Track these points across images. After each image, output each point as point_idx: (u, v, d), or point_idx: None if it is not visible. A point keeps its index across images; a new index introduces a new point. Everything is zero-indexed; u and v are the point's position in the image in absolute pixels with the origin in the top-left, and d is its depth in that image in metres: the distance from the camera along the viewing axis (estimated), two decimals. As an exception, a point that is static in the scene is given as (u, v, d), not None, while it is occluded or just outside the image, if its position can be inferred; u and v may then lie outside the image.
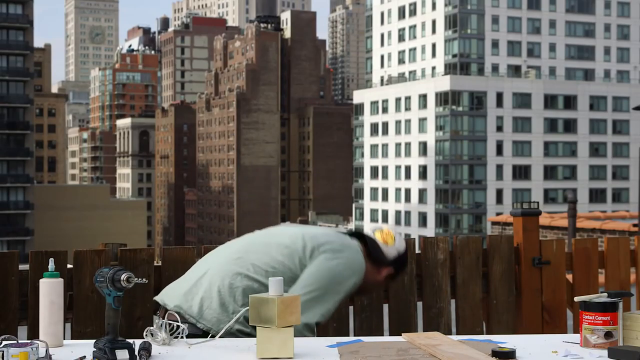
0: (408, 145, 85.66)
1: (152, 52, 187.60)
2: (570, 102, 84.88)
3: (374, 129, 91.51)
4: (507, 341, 2.50)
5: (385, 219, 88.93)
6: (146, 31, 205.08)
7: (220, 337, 2.60)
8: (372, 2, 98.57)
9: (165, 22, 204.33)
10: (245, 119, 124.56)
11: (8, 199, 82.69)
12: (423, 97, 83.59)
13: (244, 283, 2.74)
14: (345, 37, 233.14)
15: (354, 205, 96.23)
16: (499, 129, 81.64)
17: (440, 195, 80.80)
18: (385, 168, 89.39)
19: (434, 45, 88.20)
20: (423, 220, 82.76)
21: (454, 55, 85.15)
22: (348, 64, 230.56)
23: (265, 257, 2.79)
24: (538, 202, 3.81)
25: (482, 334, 3.57)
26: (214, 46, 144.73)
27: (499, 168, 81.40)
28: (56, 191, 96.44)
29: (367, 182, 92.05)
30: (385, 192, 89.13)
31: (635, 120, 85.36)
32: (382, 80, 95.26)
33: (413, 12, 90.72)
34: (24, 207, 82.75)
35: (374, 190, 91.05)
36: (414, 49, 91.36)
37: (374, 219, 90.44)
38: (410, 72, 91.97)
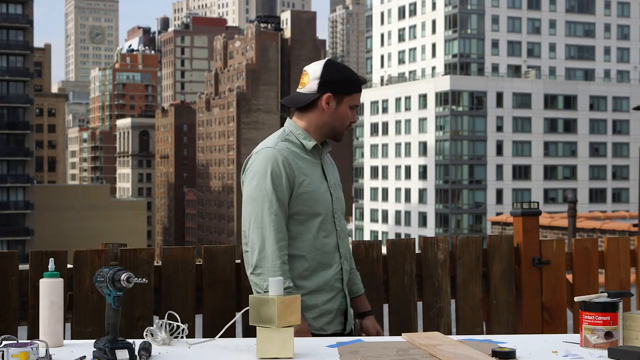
0: (408, 145, 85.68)
1: (152, 52, 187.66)
2: (570, 102, 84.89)
3: (374, 129, 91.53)
4: (507, 341, 2.50)
5: (385, 219, 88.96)
6: (146, 31, 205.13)
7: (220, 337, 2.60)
8: (372, 2, 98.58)
9: (165, 22, 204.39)
10: (245, 119, 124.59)
11: (8, 199, 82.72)
12: (423, 97, 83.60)
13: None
14: (345, 37, 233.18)
15: (354, 205, 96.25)
16: (499, 129, 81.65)
17: (440, 195, 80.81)
18: (385, 168, 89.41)
19: (434, 45, 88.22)
20: (423, 220, 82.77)
21: (454, 55, 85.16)
22: (348, 64, 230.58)
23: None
24: (538, 202, 3.81)
25: (482, 334, 3.57)
26: (214, 46, 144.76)
27: (499, 168, 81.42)
28: (56, 191, 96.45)
29: (367, 182, 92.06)
30: (385, 192, 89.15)
31: (635, 120, 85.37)
32: (382, 80, 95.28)
33: (413, 12, 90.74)
34: (24, 207, 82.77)
35: (374, 190, 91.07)
36: (414, 49, 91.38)
37: (374, 219, 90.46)
38: (410, 72, 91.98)
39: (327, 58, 3.11)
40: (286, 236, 2.85)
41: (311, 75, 2.98)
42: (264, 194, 2.84)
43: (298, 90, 3.00)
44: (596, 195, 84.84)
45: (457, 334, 3.46)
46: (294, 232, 2.89)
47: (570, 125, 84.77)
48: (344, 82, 2.99)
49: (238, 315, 2.70)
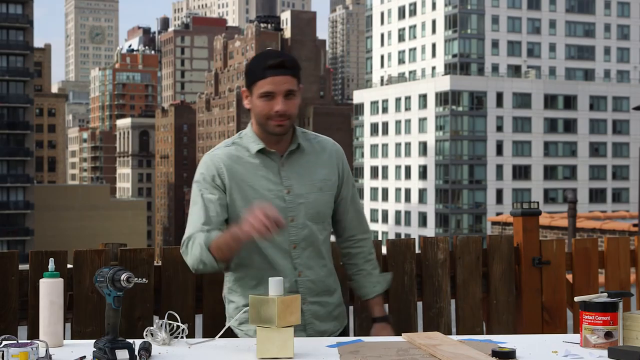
0: (408, 145, 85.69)
1: (152, 52, 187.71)
2: (570, 102, 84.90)
3: (374, 129, 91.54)
4: (507, 341, 2.50)
5: (385, 219, 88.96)
6: (146, 31, 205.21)
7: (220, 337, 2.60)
8: (372, 2, 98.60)
9: (165, 22, 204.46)
10: (245, 119, 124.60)
11: (8, 199, 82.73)
12: (423, 97, 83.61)
13: None
14: (345, 37, 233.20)
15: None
16: (499, 129, 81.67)
17: (440, 195, 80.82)
18: (385, 168, 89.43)
19: (434, 45, 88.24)
20: (423, 220, 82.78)
21: (454, 55, 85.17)
22: (348, 64, 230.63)
23: None
24: (538, 202, 3.81)
25: (482, 334, 3.57)
26: (214, 46, 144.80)
27: (499, 168, 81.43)
28: (56, 191, 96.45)
29: (367, 182, 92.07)
30: (385, 192, 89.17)
31: (635, 120, 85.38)
32: (382, 80, 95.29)
33: (413, 12, 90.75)
34: (24, 207, 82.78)
35: (374, 190, 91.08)
36: (414, 49, 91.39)
37: (374, 219, 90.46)
38: (410, 72, 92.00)
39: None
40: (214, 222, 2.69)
41: None
42: (195, 199, 2.76)
43: None
44: (596, 195, 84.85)
45: (457, 334, 3.46)
46: None
47: (570, 125, 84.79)
48: (248, 72, 2.75)
49: (238, 315, 2.70)
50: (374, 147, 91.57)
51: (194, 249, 2.65)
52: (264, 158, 2.76)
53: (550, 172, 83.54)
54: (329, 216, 2.87)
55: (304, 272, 2.77)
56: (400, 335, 2.59)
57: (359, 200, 3.03)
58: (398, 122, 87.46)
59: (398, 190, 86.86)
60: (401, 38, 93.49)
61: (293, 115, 2.72)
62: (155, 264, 3.23)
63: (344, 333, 2.94)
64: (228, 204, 2.74)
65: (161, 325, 2.50)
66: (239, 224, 2.55)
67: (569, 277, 3.80)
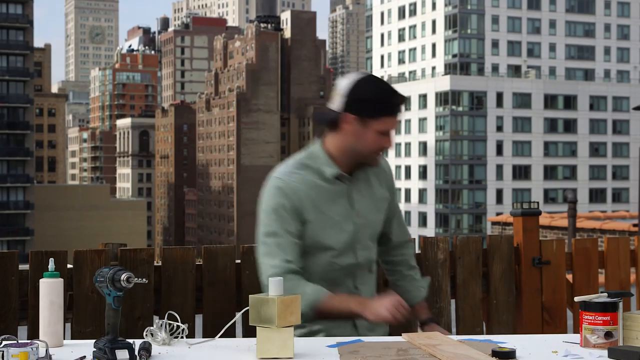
0: (408, 145, 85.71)
1: (152, 52, 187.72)
2: (570, 102, 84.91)
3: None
4: (507, 341, 2.50)
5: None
6: (146, 31, 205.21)
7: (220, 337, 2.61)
8: (372, 2, 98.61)
9: (165, 22, 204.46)
10: (245, 119, 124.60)
11: (8, 199, 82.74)
12: (423, 97, 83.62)
13: None
14: (345, 37, 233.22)
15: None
16: (499, 129, 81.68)
17: (440, 195, 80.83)
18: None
19: (434, 45, 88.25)
20: (423, 220, 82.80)
21: (454, 55, 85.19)
22: (348, 64, 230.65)
23: None
24: (538, 202, 3.81)
25: (482, 334, 3.57)
26: (214, 46, 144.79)
27: (499, 168, 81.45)
28: (56, 191, 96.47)
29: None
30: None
31: (635, 120, 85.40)
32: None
33: (413, 12, 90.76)
34: (24, 207, 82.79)
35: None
36: (414, 49, 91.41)
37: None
38: (410, 72, 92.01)
39: (365, 73, 2.76)
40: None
41: (338, 90, 2.72)
42: (276, 230, 2.71)
43: (328, 103, 2.77)
44: (596, 195, 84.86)
45: (457, 334, 3.45)
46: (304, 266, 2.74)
47: (570, 125, 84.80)
48: (371, 103, 2.66)
49: (238, 315, 2.70)
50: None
51: (303, 301, 2.55)
52: (335, 181, 2.76)
53: (550, 172, 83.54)
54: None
55: (360, 288, 2.84)
56: (400, 335, 2.59)
57: (399, 208, 3.05)
58: (398, 122, 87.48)
59: (398, 190, 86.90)
60: (401, 38, 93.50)
61: None
62: (155, 264, 3.23)
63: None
64: (303, 232, 2.73)
65: (161, 325, 2.50)
66: (361, 302, 2.64)
67: (569, 277, 3.80)
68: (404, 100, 2.73)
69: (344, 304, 2.66)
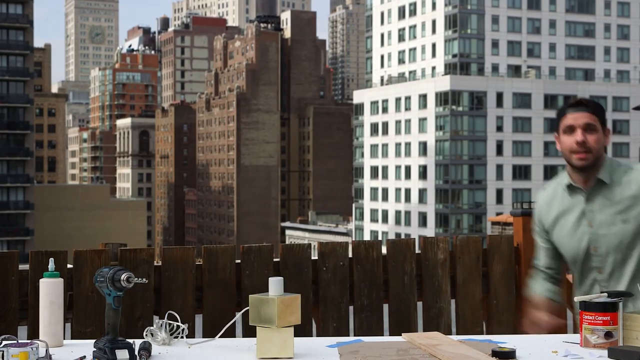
0: (408, 145, 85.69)
1: (152, 52, 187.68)
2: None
3: (374, 129, 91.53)
4: (507, 341, 2.50)
5: (385, 219, 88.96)
6: (146, 31, 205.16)
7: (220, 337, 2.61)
8: (372, 2, 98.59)
9: (165, 22, 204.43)
10: (245, 119, 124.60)
11: (8, 199, 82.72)
12: (423, 97, 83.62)
13: None
14: (345, 37, 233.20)
15: (354, 205, 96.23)
16: (499, 129, 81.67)
17: (440, 195, 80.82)
18: (385, 168, 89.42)
19: (434, 45, 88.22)
20: (423, 220, 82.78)
21: (454, 55, 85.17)
22: (348, 64, 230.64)
23: None
24: (538, 202, 3.81)
25: (482, 334, 3.57)
26: (214, 46, 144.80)
27: (499, 168, 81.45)
28: (56, 191, 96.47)
29: (367, 182, 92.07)
30: (385, 192, 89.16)
31: (635, 120, 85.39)
32: (382, 80, 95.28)
33: (413, 12, 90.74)
34: (24, 207, 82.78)
35: (374, 190, 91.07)
36: (414, 49, 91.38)
37: (374, 219, 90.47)
38: (410, 72, 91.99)
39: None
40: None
41: None
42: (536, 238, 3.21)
43: None
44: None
45: (457, 334, 3.46)
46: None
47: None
48: (557, 115, 3.03)
49: (238, 315, 2.70)
50: (374, 147, 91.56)
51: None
52: (572, 194, 3.01)
53: (550, 172, 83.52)
54: (637, 245, 2.91)
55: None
56: (400, 335, 2.59)
57: None
58: (398, 122, 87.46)
59: (398, 190, 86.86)
60: (401, 38, 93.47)
61: (594, 148, 2.91)
62: (155, 264, 3.23)
63: None
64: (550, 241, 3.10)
65: (161, 325, 2.50)
66: (546, 317, 2.96)
67: (569, 277, 3.80)
68: (578, 100, 2.97)
69: (535, 312, 3.05)
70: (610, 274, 2.90)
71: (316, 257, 3.40)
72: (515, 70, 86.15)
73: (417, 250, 3.58)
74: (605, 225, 2.90)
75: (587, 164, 2.92)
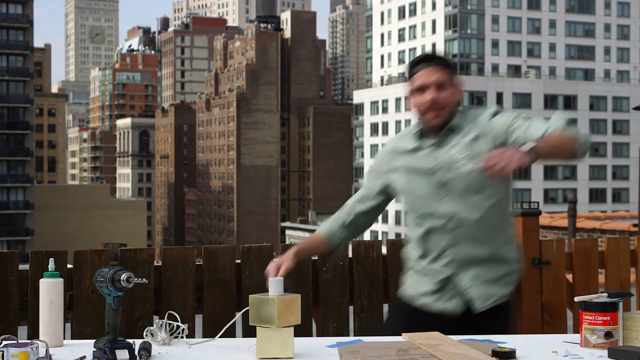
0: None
1: (152, 52, 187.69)
2: (570, 102, 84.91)
3: (374, 129, 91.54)
4: (507, 341, 2.50)
5: (385, 219, 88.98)
6: (146, 31, 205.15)
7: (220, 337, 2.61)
8: (372, 2, 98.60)
9: (165, 22, 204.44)
10: (245, 119, 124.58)
11: (8, 199, 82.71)
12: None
13: None
14: (345, 37, 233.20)
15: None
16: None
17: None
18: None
19: (434, 45, 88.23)
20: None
21: (454, 55, 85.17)
22: (348, 64, 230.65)
23: None
24: (538, 202, 3.82)
25: (482, 334, 3.57)
26: (214, 46, 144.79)
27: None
28: (56, 191, 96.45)
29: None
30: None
31: (635, 120, 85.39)
32: (382, 80, 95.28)
33: (413, 12, 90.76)
34: (24, 207, 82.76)
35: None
36: (414, 49, 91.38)
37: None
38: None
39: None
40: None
41: None
42: None
43: None
44: (596, 195, 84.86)
45: (457, 334, 3.45)
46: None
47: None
48: (407, 72, 2.97)
49: (238, 315, 2.70)
50: (374, 147, 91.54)
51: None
52: (422, 139, 2.94)
53: (550, 172, 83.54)
54: (488, 188, 2.89)
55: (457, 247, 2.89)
56: (400, 335, 2.59)
57: (529, 124, 3.06)
58: (398, 122, 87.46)
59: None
60: (401, 38, 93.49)
61: (447, 104, 2.88)
62: (155, 264, 3.23)
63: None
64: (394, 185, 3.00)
65: (161, 325, 2.50)
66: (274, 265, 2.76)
67: (569, 277, 3.80)
68: (425, 55, 2.92)
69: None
70: (459, 219, 2.84)
71: (316, 257, 3.40)
72: (515, 70, 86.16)
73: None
74: (454, 168, 2.86)
75: (441, 121, 2.88)
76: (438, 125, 2.88)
